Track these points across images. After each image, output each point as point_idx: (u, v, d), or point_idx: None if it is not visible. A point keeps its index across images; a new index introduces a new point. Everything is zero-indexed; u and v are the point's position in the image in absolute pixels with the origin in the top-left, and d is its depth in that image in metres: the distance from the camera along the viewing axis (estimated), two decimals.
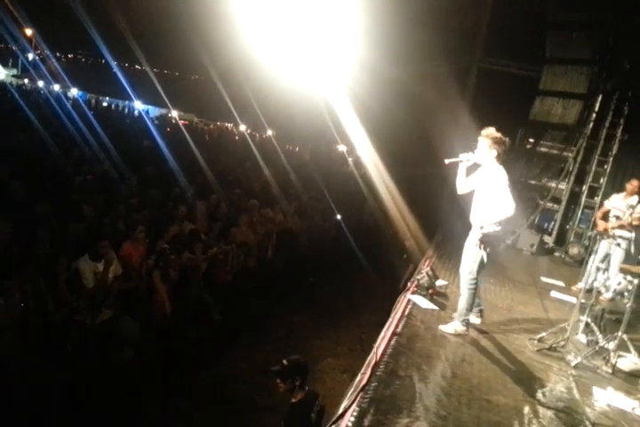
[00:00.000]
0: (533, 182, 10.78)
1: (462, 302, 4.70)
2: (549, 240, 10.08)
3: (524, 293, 6.65)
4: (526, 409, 3.61)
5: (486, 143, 4.43)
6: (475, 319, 4.98)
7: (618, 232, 6.15)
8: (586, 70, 10.15)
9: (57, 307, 4.64)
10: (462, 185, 4.66)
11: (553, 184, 10.34)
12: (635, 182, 6.96)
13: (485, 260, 4.52)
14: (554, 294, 6.77)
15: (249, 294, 7.43)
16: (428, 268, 6.12)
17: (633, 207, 6.37)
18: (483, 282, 4.87)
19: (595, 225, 7.32)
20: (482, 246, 4.45)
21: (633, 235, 5.93)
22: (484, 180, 4.51)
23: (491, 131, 4.46)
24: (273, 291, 8.02)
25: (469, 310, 4.70)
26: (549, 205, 10.32)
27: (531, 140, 11.14)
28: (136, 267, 5.79)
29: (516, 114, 11.15)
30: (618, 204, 6.94)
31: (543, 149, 10.86)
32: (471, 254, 4.59)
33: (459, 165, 4.60)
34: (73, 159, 9.36)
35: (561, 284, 7.36)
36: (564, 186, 10.28)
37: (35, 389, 4.07)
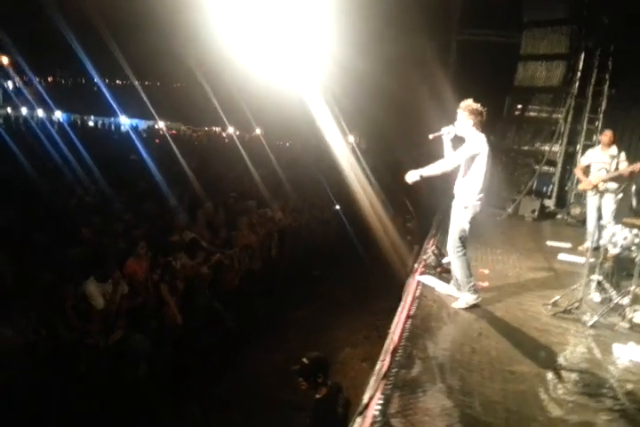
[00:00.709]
0: (526, 148, 10.70)
1: (458, 273, 4.76)
2: (550, 204, 10.02)
3: (531, 259, 6.61)
4: (550, 375, 3.60)
5: (464, 115, 4.52)
6: (458, 293, 4.94)
7: (609, 185, 6.26)
8: (565, 30, 10.03)
9: (67, 332, 4.63)
10: (449, 154, 4.73)
11: (546, 147, 10.26)
12: (608, 133, 6.91)
13: (467, 227, 4.62)
14: (562, 256, 6.72)
15: (258, 295, 7.43)
16: (434, 246, 6.08)
17: (616, 157, 6.28)
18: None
19: (579, 183, 7.28)
20: (462, 214, 4.58)
21: (634, 187, 5.86)
22: (461, 147, 4.58)
23: (468, 102, 4.55)
24: (281, 289, 8.02)
25: (469, 276, 4.72)
26: (545, 168, 10.24)
27: (519, 106, 11.04)
28: (142, 283, 5.77)
29: (501, 83, 11.05)
30: (597, 157, 6.86)
31: (532, 114, 10.77)
32: (453, 223, 4.70)
33: (443, 141, 4.70)
34: (64, 184, 9.34)
35: (567, 245, 7.31)
36: (557, 148, 10.20)
37: (43, 403, 4.08)
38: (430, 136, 4.64)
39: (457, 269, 4.77)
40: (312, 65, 12.27)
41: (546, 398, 3.30)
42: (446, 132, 4.63)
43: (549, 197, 10.17)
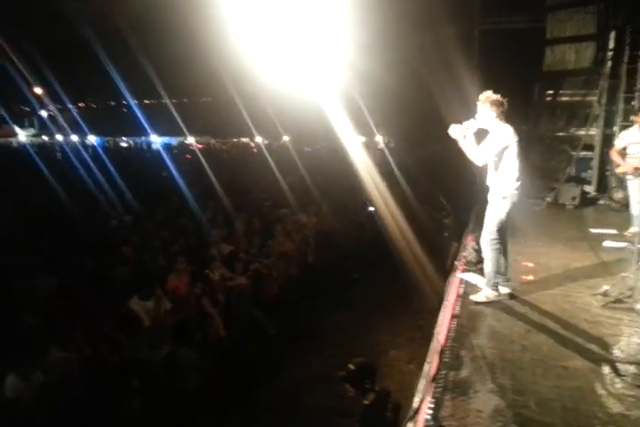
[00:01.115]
0: (561, 134, 10.39)
1: (488, 266, 4.64)
2: (591, 189, 9.67)
3: (575, 249, 6.37)
4: (606, 369, 3.46)
5: (485, 107, 4.41)
6: (503, 289, 4.79)
7: None
8: (591, 9, 9.72)
9: (117, 351, 4.73)
10: (472, 148, 4.55)
11: (582, 132, 9.93)
12: None
13: (504, 219, 4.51)
14: (607, 243, 6.45)
15: (297, 302, 7.43)
16: (473, 242, 5.95)
17: None
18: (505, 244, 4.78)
19: (617, 166, 6.98)
20: (500, 204, 4.46)
21: None
22: (488, 139, 4.45)
23: (487, 94, 4.44)
24: (320, 295, 7.99)
25: (497, 272, 4.62)
26: (583, 153, 9.91)
27: (549, 92, 10.75)
28: (184, 298, 5.84)
29: (528, 70, 10.81)
30: (634, 138, 6.56)
31: (564, 99, 10.46)
32: (490, 214, 4.58)
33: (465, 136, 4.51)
34: (102, 206, 9.61)
35: (612, 231, 7.01)
36: (594, 131, 9.86)
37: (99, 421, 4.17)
38: (451, 133, 4.48)
39: (488, 262, 4.65)
40: (332, 69, 12.27)
41: (604, 393, 3.17)
42: (468, 127, 4.46)
43: (589, 183, 9.83)
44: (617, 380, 3.31)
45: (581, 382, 3.31)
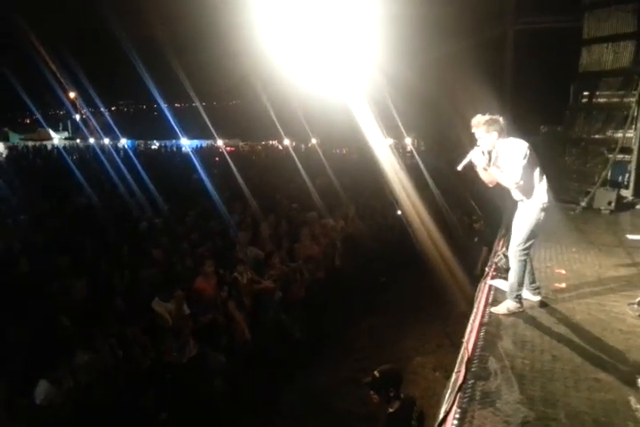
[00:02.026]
0: (598, 137, 10.08)
1: (512, 277, 4.49)
2: (627, 194, 9.37)
3: (611, 255, 6.17)
4: None
5: (482, 131, 4.23)
6: (533, 297, 4.67)
7: None
8: (632, 7, 9.38)
9: (144, 353, 4.79)
10: (491, 176, 4.41)
11: (619, 134, 9.61)
12: None
13: (536, 230, 4.35)
14: None
15: (324, 306, 7.41)
16: (504, 248, 5.82)
17: None
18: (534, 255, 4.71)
19: None
20: (534, 213, 4.29)
21: None
22: (505, 159, 4.27)
23: (477, 118, 4.25)
24: (347, 299, 7.97)
25: (521, 284, 4.48)
26: (620, 156, 9.60)
27: (585, 93, 10.47)
28: (211, 300, 5.88)
29: (563, 71, 10.57)
30: None
31: (601, 100, 10.15)
32: (520, 225, 4.41)
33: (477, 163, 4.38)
34: (133, 208, 9.78)
35: None
36: (631, 134, 9.54)
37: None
38: (459, 168, 4.39)
39: (512, 272, 4.50)
40: (361, 72, 12.25)
41: (638, 407, 3.04)
42: (476, 155, 4.31)
43: (626, 187, 9.53)
44: None
45: (615, 395, 3.19)
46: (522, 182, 4.17)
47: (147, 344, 4.90)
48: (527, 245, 4.40)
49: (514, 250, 4.46)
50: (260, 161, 23.15)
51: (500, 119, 4.24)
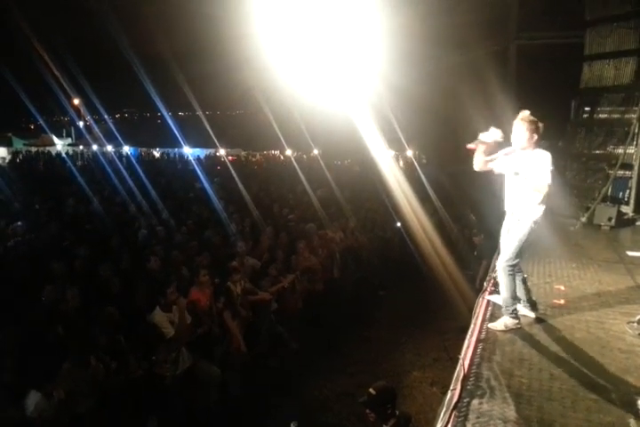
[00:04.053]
0: (598, 152, 10.07)
1: (503, 291, 4.44)
2: (628, 210, 9.33)
3: (611, 272, 6.11)
4: None
5: (525, 127, 4.12)
6: (529, 313, 4.62)
7: None
8: (634, 24, 9.42)
9: (137, 363, 4.73)
10: (485, 161, 4.34)
11: (620, 150, 9.60)
12: None
13: (526, 245, 4.30)
14: None
15: (321, 317, 7.35)
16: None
17: None
18: (522, 271, 4.59)
19: None
20: (525, 231, 4.20)
21: None
22: (526, 165, 4.15)
23: (527, 114, 4.16)
24: (345, 311, 7.91)
25: (514, 298, 4.43)
26: (620, 172, 9.58)
27: (586, 109, 10.48)
28: (206, 311, 5.82)
29: (564, 86, 10.58)
30: None
31: (602, 116, 10.16)
32: (512, 240, 4.31)
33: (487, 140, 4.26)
34: (132, 215, 9.76)
35: None
36: (632, 150, 9.53)
37: None
38: (470, 146, 4.26)
39: (504, 287, 4.44)
40: (363, 84, 12.29)
41: None
42: (492, 140, 4.18)
43: (627, 203, 9.50)
44: None
45: (614, 416, 3.13)
46: (548, 187, 4.06)
47: (140, 354, 4.84)
48: (516, 261, 4.36)
49: (502, 265, 4.41)
50: (261, 171, 23.18)
51: (541, 127, 4.16)
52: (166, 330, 5.14)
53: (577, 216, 9.06)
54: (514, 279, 4.43)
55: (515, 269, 4.41)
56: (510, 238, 4.36)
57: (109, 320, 4.88)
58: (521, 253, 4.34)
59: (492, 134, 4.18)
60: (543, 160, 4.10)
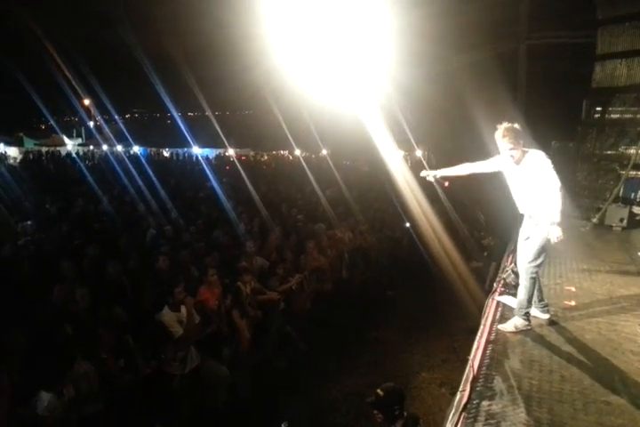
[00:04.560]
0: (610, 153, 9.98)
1: (522, 293, 4.43)
2: (639, 211, 9.26)
3: (622, 273, 6.07)
4: None
5: (506, 140, 4.09)
6: (542, 315, 4.60)
7: None
8: None
9: (145, 362, 4.74)
10: (456, 177, 4.81)
11: (632, 151, 9.51)
12: None
13: (547, 247, 4.27)
14: None
15: (330, 317, 7.33)
16: (512, 264, 5.73)
17: None
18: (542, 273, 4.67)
19: None
20: (558, 230, 4.09)
21: None
22: (533, 170, 4.14)
23: (505, 126, 4.11)
24: (353, 311, 7.89)
25: (530, 301, 4.43)
26: (632, 173, 9.49)
27: (598, 109, 10.38)
28: (214, 310, 5.82)
29: (576, 86, 10.49)
30: None
31: (614, 116, 10.06)
32: (534, 242, 4.31)
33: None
34: (141, 215, 9.80)
35: None
36: None
37: None
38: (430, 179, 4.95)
39: (522, 289, 4.43)
40: (372, 84, 12.27)
41: None
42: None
43: (638, 204, 9.40)
44: None
45: (625, 419, 3.10)
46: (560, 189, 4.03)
47: (148, 354, 4.85)
48: (539, 261, 4.34)
49: (525, 266, 4.39)
50: (270, 171, 23.21)
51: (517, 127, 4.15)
52: (174, 329, 5.16)
53: (588, 217, 9.00)
54: (535, 282, 4.41)
55: (539, 272, 4.40)
56: (532, 242, 4.36)
57: (117, 320, 4.89)
58: (542, 253, 4.32)
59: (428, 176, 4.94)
60: (543, 162, 4.09)
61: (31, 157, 30.32)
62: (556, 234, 4.04)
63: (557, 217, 4.01)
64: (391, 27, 10.75)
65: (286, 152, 35.35)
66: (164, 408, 4.66)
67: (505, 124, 4.12)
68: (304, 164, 19.48)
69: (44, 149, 34.59)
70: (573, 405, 3.26)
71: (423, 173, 4.99)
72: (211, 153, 32.89)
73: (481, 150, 4.59)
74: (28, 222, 8.61)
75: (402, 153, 22.32)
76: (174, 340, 5.11)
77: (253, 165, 26.96)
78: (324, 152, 29.45)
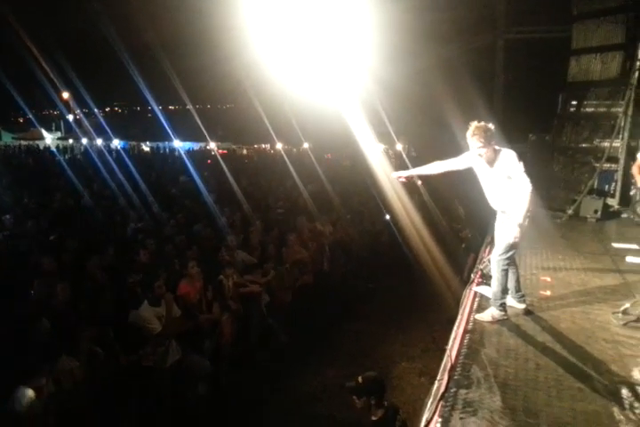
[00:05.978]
0: (585, 146, 10.15)
1: (495, 285, 4.51)
2: (613, 203, 9.42)
3: (597, 263, 6.20)
4: (625, 392, 3.32)
5: (476, 138, 4.11)
6: (519, 305, 4.67)
7: None
8: (620, 18, 9.45)
9: (126, 356, 4.73)
10: (428, 175, 4.97)
11: (606, 144, 9.68)
12: None
13: (519, 241, 4.28)
14: (630, 259, 6.27)
15: (311, 310, 7.38)
16: (489, 255, 5.82)
17: None
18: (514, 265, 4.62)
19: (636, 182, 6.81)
20: (519, 231, 4.15)
21: None
22: (506, 167, 4.20)
23: (476, 125, 4.13)
24: (334, 303, 7.95)
25: (504, 292, 4.50)
26: (606, 165, 9.66)
27: (573, 102, 10.54)
28: (195, 304, 5.82)
29: (552, 80, 10.62)
30: None
31: (589, 110, 10.22)
32: (505, 236, 4.35)
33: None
34: (123, 209, 9.71)
35: (636, 247, 6.83)
36: (618, 143, 9.62)
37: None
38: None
39: (496, 281, 4.50)
40: (353, 77, 12.28)
41: (622, 418, 3.03)
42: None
43: (612, 196, 9.59)
44: (636, 404, 3.17)
45: (598, 405, 3.19)
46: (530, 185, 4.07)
47: (128, 347, 4.83)
48: (509, 254, 4.40)
49: (496, 259, 4.47)
50: (251, 164, 23.13)
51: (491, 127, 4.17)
52: (152, 326, 5.08)
53: (564, 209, 9.15)
54: (507, 274, 4.48)
55: (509, 264, 4.46)
56: (504, 235, 4.40)
57: (97, 314, 4.86)
58: (513, 247, 4.38)
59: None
60: (515, 163, 4.14)
61: (10, 151, 29.74)
62: (514, 234, 4.12)
63: (521, 219, 4.06)
64: (371, 21, 10.74)
65: (268, 146, 35.24)
66: (145, 400, 4.65)
67: (475, 123, 4.13)
68: (285, 157, 19.45)
69: (22, 143, 33.95)
70: (548, 392, 3.34)
71: (394, 175, 5.00)
72: (193, 146, 32.64)
73: (459, 144, 4.62)
74: (7, 216, 8.48)
75: (382, 146, 22.41)
76: (154, 335, 5.09)
77: (234, 158, 26.81)
78: (306, 146, 29.43)
